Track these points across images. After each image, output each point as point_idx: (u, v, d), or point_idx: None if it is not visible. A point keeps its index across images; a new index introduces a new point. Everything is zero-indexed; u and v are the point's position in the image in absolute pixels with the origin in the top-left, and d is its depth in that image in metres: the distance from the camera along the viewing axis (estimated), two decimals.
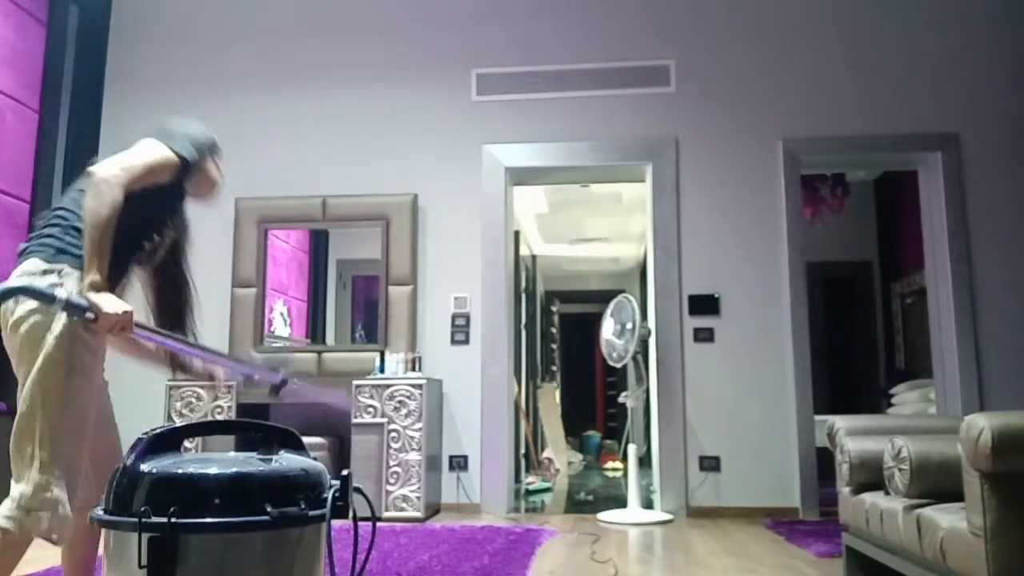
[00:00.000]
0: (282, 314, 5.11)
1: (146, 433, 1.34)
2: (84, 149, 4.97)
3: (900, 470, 2.29)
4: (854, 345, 7.55)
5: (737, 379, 4.70)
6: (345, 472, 1.38)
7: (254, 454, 1.38)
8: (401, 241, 4.95)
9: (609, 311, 5.02)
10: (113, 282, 1.85)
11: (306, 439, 1.49)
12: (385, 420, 4.40)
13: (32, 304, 1.77)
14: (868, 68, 4.88)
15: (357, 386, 4.45)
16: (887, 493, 2.47)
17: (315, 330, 5.17)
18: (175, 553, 1.20)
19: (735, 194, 4.86)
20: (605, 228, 8.77)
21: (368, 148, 5.13)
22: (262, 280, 5.01)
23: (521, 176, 5.19)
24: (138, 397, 4.97)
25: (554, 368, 10.29)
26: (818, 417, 4.61)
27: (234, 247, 5.05)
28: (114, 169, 1.83)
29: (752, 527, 4.18)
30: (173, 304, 2.13)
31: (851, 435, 2.82)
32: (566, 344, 11.36)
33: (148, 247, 2.04)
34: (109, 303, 1.76)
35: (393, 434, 4.39)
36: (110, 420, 2.03)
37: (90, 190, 1.80)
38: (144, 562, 1.19)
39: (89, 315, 1.75)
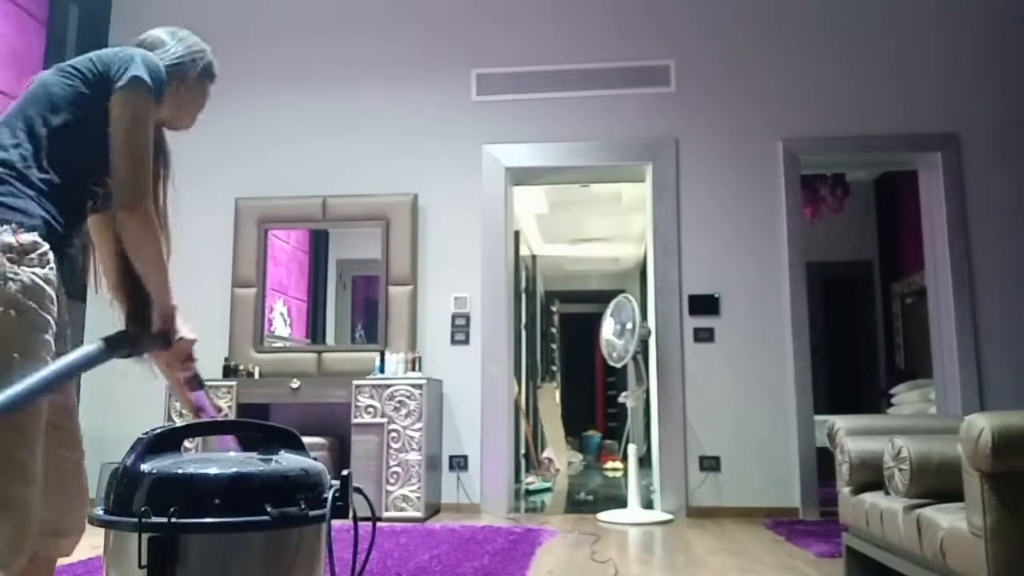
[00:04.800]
0: (282, 314, 5.11)
1: (146, 433, 1.34)
2: None
3: (900, 470, 2.30)
4: (854, 345, 7.55)
5: (737, 379, 4.70)
6: (345, 472, 1.38)
7: (254, 454, 1.38)
8: (401, 241, 4.95)
9: (609, 311, 5.02)
10: (60, 240, 1.57)
11: (306, 439, 1.49)
12: (385, 420, 4.40)
13: None
14: (868, 68, 4.88)
15: (357, 386, 4.45)
16: (887, 493, 2.47)
17: (315, 330, 5.17)
18: (175, 553, 1.20)
19: (735, 194, 4.86)
20: (605, 228, 8.78)
21: (368, 148, 5.14)
22: (262, 280, 5.01)
23: (521, 176, 5.19)
24: (138, 397, 4.98)
25: (554, 368, 10.30)
26: (818, 417, 4.62)
27: (234, 247, 5.05)
28: (145, 189, 1.59)
29: (752, 527, 4.19)
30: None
31: (851, 435, 2.82)
32: (566, 344, 11.36)
33: (100, 191, 1.67)
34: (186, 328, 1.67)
35: (393, 434, 4.39)
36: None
37: (133, 221, 1.57)
38: (144, 562, 1.19)
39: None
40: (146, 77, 1.65)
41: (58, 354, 1.62)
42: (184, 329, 1.70)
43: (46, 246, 1.50)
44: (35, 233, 1.49)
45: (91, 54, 1.70)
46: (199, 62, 1.88)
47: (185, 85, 1.83)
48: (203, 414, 1.78)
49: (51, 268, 1.51)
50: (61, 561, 2.31)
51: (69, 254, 1.65)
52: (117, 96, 1.62)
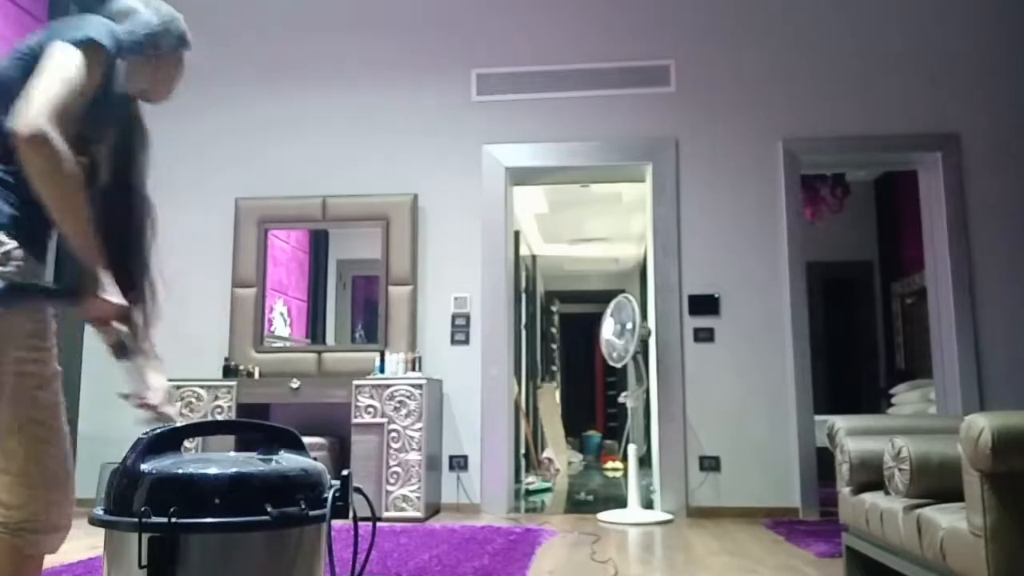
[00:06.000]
0: (282, 314, 5.11)
1: (146, 433, 1.34)
2: None
3: (900, 470, 2.30)
4: (854, 345, 7.55)
5: (737, 379, 4.70)
6: (345, 472, 1.38)
7: (254, 454, 1.38)
8: (401, 241, 4.95)
9: (609, 311, 5.02)
10: (34, 232, 1.52)
11: (306, 439, 1.49)
12: (385, 420, 4.40)
13: None
14: (868, 68, 4.88)
15: (357, 386, 4.45)
16: (887, 493, 2.47)
17: (315, 330, 5.17)
18: (175, 553, 1.20)
19: (735, 194, 4.86)
20: (605, 228, 8.78)
21: (368, 148, 5.14)
22: (262, 280, 5.01)
23: (521, 176, 5.19)
24: None
25: (554, 368, 10.30)
26: (818, 417, 4.62)
27: (234, 247, 5.05)
28: (41, 113, 1.40)
29: (752, 527, 4.18)
30: (122, 239, 1.70)
31: (851, 435, 2.82)
32: (566, 344, 11.36)
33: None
34: (112, 292, 1.55)
35: (393, 434, 4.39)
36: (43, 424, 1.60)
37: (29, 152, 1.40)
38: (144, 562, 1.19)
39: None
40: (100, 39, 1.54)
41: (46, 348, 1.61)
42: (110, 291, 1.58)
43: (12, 243, 1.47)
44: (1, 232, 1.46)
45: (44, 28, 1.59)
46: (173, 31, 1.76)
47: (160, 55, 1.73)
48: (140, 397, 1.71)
49: (17, 264, 1.47)
50: (62, 560, 2.31)
51: (48, 244, 1.59)
52: (55, 46, 1.49)
